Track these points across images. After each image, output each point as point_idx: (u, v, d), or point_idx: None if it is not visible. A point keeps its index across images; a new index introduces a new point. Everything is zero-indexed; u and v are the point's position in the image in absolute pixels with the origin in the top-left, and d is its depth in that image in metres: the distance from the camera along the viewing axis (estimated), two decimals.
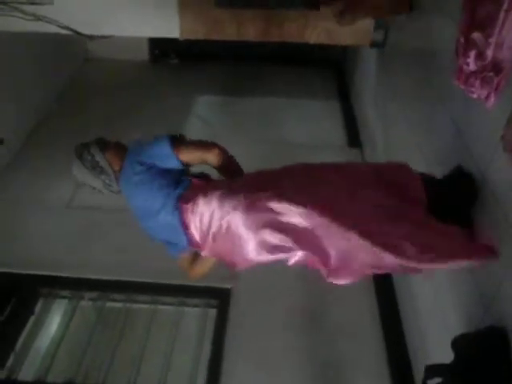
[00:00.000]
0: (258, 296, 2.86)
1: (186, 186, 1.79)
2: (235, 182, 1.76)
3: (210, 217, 1.68)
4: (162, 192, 1.78)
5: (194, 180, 1.81)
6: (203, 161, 1.83)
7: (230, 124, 4.37)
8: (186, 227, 1.77)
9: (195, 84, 4.97)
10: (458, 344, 1.60)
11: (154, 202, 1.79)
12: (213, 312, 2.84)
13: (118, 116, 4.19)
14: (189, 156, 1.81)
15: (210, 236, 1.72)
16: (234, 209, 1.64)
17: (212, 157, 1.81)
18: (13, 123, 3.85)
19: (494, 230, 1.61)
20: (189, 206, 1.72)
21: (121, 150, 1.90)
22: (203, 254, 1.84)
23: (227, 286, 2.91)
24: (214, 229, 1.70)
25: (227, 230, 1.67)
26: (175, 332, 2.77)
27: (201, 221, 1.71)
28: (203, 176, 1.88)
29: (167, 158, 1.79)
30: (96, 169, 1.85)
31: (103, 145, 1.89)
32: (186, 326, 2.83)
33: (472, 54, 1.52)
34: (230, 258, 1.78)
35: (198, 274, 1.97)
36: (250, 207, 1.62)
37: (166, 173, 1.80)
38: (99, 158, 1.85)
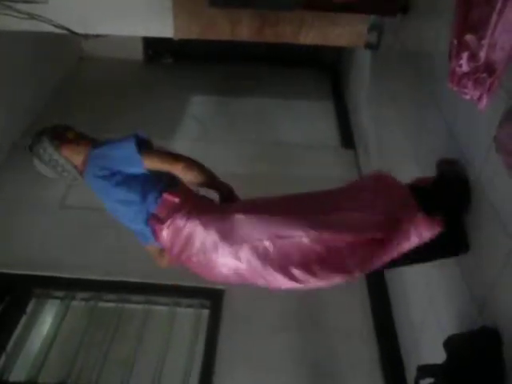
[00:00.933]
0: (251, 297, 2.85)
1: (156, 202, 1.66)
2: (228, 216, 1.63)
3: (195, 240, 1.61)
4: (130, 208, 1.69)
5: (165, 196, 1.67)
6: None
7: (225, 124, 4.37)
8: (157, 237, 1.70)
9: (189, 84, 4.97)
10: (450, 344, 1.61)
11: (124, 214, 1.74)
12: (206, 313, 2.84)
13: (111, 115, 4.18)
14: (153, 165, 1.68)
15: (185, 254, 1.66)
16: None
17: (177, 171, 1.68)
18: (5, 123, 3.83)
19: (487, 230, 1.62)
20: (164, 226, 1.63)
21: (81, 144, 1.76)
22: (168, 259, 1.83)
23: (221, 286, 2.90)
24: (193, 251, 1.63)
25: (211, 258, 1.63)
26: (168, 332, 2.76)
27: (178, 237, 1.63)
28: (173, 183, 1.74)
29: (131, 162, 1.66)
30: (51, 162, 1.74)
31: (58, 139, 1.74)
32: (180, 326, 2.82)
33: (465, 55, 1.52)
34: (198, 272, 1.75)
35: (167, 264, 1.91)
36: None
37: (132, 180, 1.67)
38: (54, 155, 1.73)
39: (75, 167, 1.76)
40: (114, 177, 1.68)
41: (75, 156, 1.74)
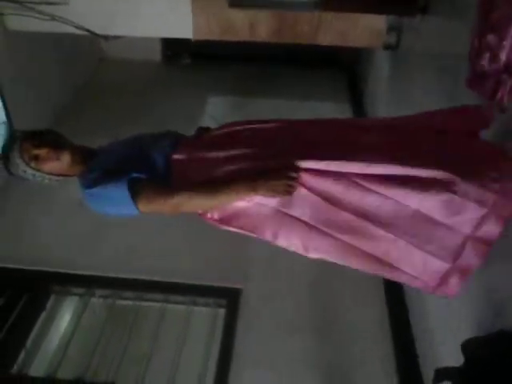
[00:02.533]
0: (267, 297, 2.87)
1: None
2: None
3: None
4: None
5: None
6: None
7: None
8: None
9: (207, 84, 5.00)
10: (467, 347, 1.59)
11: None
12: (222, 312, 2.85)
13: (130, 115, 4.22)
14: (148, 208, 1.53)
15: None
16: None
17: (171, 209, 1.52)
18: (27, 123, 3.88)
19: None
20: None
21: (61, 158, 1.58)
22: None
23: (237, 286, 2.92)
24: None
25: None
26: (184, 331, 2.78)
27: None
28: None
29: (126, 205, 1.52)
30: (36, 178, 1.61)
31: (33, 160, 1.56)
32: (196, 325, 2.83)
33: (486, 56, 1.51)
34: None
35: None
36: None
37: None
38: (37, 174, 1.59)
39: (63, 174, 1.65)
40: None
41: (59, 167, 1.60)
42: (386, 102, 3.72)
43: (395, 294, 2.86)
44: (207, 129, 1.77)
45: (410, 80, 3.05)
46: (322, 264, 3.01)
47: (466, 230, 1.45)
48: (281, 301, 2.84)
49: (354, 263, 1.58)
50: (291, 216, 1.53)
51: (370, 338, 2.67)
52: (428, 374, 2.30)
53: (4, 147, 1.59)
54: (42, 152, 1.56)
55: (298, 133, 1.63)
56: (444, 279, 1.52)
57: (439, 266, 1.49)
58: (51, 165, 1.58)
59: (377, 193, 1.45)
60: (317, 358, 2.59)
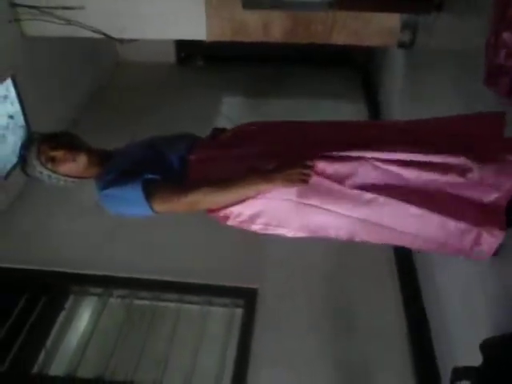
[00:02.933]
0: (284, 296, 2.87)
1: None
2: None
3: None
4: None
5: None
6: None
7: None
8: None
9: (221, 85, 5.03)
10: (486, 347, 1.58)
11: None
12: (239, 312, 2.86)
13: (146, 116, 4.27)
14: (163, 208, 1.55)
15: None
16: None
17: (186, 207, 1.53)
18: (46, 125, 3.95)
19: None
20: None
21: (77, 160, 1.60)
22: None
23: (254, 285, 2.93)
24: None
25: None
26: (201, 331, 2.80)
27: None
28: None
29: (141, 205, 1.54)
30: (52, 180, 1.63)
31: (50, 161, 1.58)
32: (213, 325, 2.85)
33: (502, 53, 1.51)
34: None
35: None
36: None
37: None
38: (53, 176, 1.62)
39: (79, 177, 1.66)
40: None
41: (75, 169, 1.62)
42: (401, 100, 3.70)
43: (412, 293, 2.84)
44: (223, 129, 1.79)
45: (424, 78, 3.03)
46: (337, 262, 3.03)
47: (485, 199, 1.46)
48: (297, 300, 2.85)
49: (386, 238, 1.59)
50: (312, 205, 1.53)
51: (386, 337, 2.66)
52: (445, 375, 2.28)
53: (21, 149, 1.61)
54: (59, 154, 1.58)
55: (314, 132, 1.66)
56: (476, 239, 1.49)
57: (464, 226, 1.47)
58: (67, 167, 1.60)
59: (398, 174, 1.46)
60: (334, 357, 2.59)
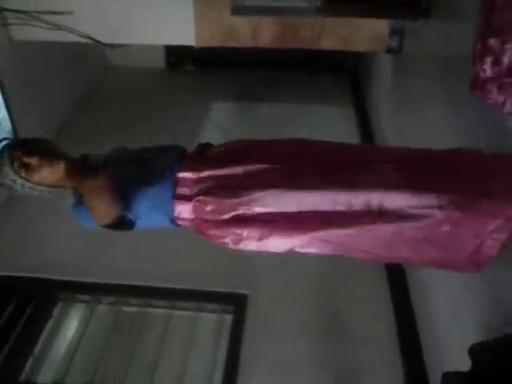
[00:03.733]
0: (274, 302, 2.86)
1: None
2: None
3: None
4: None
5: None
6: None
7: (246, 130, 4.38)
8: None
9: (211, 90, 5.02)
10: (475, 352, 1.59)
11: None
12: (229, 318, 2.85)
13: (136, 122, 4.26)
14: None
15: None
16: None
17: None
18: (33, 131, 3.92)
19: None
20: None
21: (54, 166, 1.50)
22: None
23: (244, 291, 2.92)
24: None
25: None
26: (191, 337, 2.78)
27: None
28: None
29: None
30: (25, 189, 1.53)
31: (23, 168, 1.47)
32: (202, 331, 2.83)
33: (488, 60, 1.52)
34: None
35: None
36: None
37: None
38: (27, 184, 1.51)
39: (55, 186, 1.57)
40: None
41: (51, 178, 1.52)
42: (389, 105, 3.73)
43: (401, 299, 2.85)
44: (206, 145, 1.73)
45: (412, 84, 3.06)
46: (327, 268, 3.04)
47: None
48: (287, 306, 2.84)
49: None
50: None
51: (376, 343, 2.66)
52: (435, 379, 2.29)
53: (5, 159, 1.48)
54: (33, 160, 1.46)
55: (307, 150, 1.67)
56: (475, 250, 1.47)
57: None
58: (42, 174, 1.49)
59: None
60: (324, 364, 2.58)
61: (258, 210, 1.51)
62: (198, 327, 2.84)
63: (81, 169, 1.55)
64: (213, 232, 1.59)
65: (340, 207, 1.47)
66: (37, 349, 2.74)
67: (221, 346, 2.73)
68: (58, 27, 3.25)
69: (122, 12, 3.30)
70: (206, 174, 1.56)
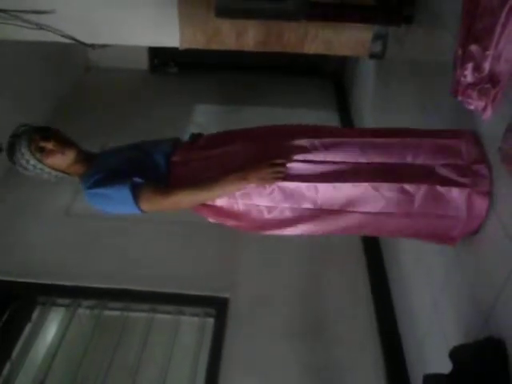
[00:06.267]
0: (255, 305, 2.86)
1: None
2: None
3: None
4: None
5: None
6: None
7: None
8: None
9: (194, 93, 5.00)
10: (456, 354, 1.60)
11: None
12: (211, 321, 2.84)
13: (117, 124, 4.21)
14: (150, 208, 1.67)
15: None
16: None
17: (171, 205, 1.66)
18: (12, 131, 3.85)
19: (492, 242, 1.63)
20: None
21: (66, 153, 1.69)
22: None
23: (225, 295, 2.91)
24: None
25: None
26: (173, 341, 2.76)
27: None
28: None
29: (128, 205, 1.65)
30: (36, 171, 1.70)
31: (39, 151, 1.66)
32: (184, 335, 2.82)
33: (469, 66, 1.54)
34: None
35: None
36: None
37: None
38: (39, 165, 1.68)
39: (63, 171, 1.74)
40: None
41: (61, 162, 1.70)
42: (371, 110, 3.76)
43: (383, 300, 2.87)
44: (200, 134, 1.89)
45: (394, 88, 3.09)
46: (308, 270, 3.05)
47: None
48: (268, 309, 2.84)
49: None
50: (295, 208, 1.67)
51: (358, 344, 2.68)
52: (416, 381, 2.31)
53: (13, 135, 1.69)
54: (49, 145, 1.66)
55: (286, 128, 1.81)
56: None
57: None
58: (55, 159, 1.68)
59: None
60: (306, 364, 2.59)
61: None
62: (180, 331, 2.83)
63: (88, 159, 1.75)
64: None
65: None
66: (15, 353, 2.69)
67: (203, 349, 2.71)
68: (40, 27, 3.20)
69: (104, 12, 3.25)
70: (194, 157, 1.75)
